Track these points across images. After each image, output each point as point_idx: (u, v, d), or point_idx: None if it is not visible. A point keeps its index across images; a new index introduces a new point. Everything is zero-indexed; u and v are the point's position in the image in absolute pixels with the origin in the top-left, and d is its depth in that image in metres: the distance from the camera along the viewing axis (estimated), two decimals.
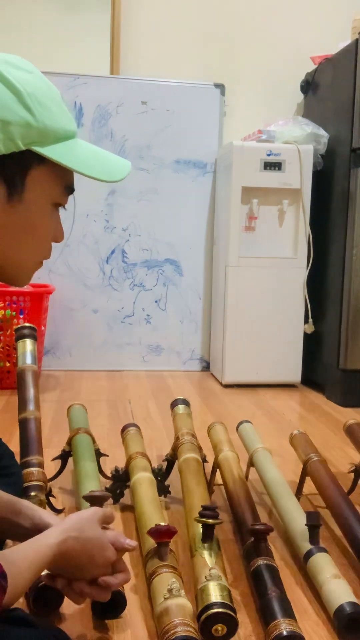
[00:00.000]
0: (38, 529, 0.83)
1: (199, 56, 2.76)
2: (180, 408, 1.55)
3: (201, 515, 1.00)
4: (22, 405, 1.29)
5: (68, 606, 0.95)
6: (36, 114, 0.69)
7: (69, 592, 0.81)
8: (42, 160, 0.71)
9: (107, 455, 1.47)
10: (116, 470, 1.32)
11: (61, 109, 0.74)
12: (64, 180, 0.75)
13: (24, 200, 0.71)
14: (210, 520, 0.99)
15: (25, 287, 2.42)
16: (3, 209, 0.70)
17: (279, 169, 2.41)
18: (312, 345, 2.54)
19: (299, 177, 2.42)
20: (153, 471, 1.30)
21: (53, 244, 0.80)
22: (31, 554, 0.73)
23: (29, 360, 1.35)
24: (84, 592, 0.81)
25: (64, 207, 0.79)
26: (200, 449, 1.37)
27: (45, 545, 0.75)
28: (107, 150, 0.82)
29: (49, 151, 0.70)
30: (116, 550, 0.83)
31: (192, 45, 2.75)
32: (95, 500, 0.92)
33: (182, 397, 1.60)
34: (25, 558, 0.72)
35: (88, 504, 0.93)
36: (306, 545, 1.05)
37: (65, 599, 0.93)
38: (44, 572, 0.82)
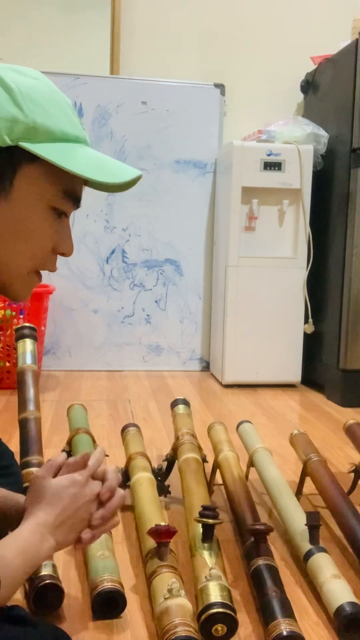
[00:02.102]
0: (19, 513, 0.82)
1: (199, 56, 2.76)
2: (180, 408, 1.55)
3: (201, 515, 1.00)
4: (22, 405, 1.29)
5: (68, 606, 0.95)
6: (25, 110, 0.68)
7: (99, 530, 0.80)
8: (33, 158, 0.70)
9: (107, 455, 1.47)
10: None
11: (64, 113, 0.73)
12: (60, 182, 0.73)
13: (12, 198, 0.70)
14: (210, 520, 0.99)
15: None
16: None
17: (279, 169, 2.41)
18: (312, 345, 2.54)
19: (299, 177, 2.42)
20: (153, 471, 1.30)
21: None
22: (14, 543, 0.72)
23: (29, 360, 1.35)
24: (106, 514, 0.80)
25: (66, 214, 0.76)
26: (200, 449, 1.37)
27: (23, 529, 0.74)
28: (107, 150, 0.81)
29: (40, 149, 0.69)
30: (79, 468, 0.82)
31: (192, 45, 2.75)
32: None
33: (182, 397, 1.60)
34: (8, 549, 0.71)
35: None
36: (306, 545, 1.05)
37: (66, 599, 0.94)
38: (51, 572, 0.81)
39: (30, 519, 0.75)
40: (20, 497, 0.89)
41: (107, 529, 0.82)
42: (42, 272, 0.80)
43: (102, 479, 0.83)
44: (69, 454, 1.35)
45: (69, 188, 0.74)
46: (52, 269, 0.80)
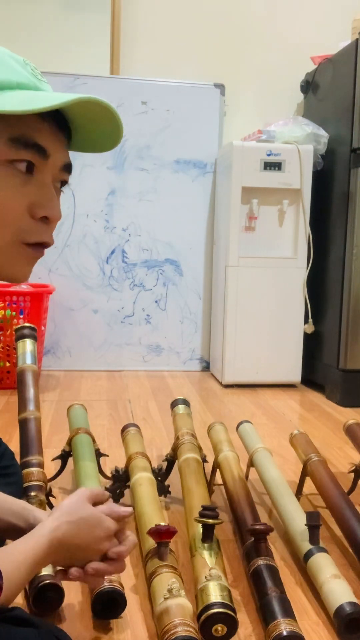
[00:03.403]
0: (33, 528, 0.83)
1: (199, 56, 2.76)
2: (180, 408, 1.55)
3: (201, 515, 1.00)
4: (22, 405, 1.29)
5: (68, 606, 0.95)
6: None
7: (86, 578, 0.79)
8: None
9: (107, 455, 1.47)
10: (116, 470, 1.32)
11: (1, 63, 0.65)
12: (3, 131, 0.64)
13: None
14: (210, 520, 0.99)
15: (25, 287, 2.43)
16: None
17: (279, 169, 2.41)
18: (312, 345, 2.54)
19: (299, 177, 2.42)
20: (153, 471, 1.30)
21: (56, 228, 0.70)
22: (26, 549, 0.72)
23: (29, 360, 1.35)
24: (100, 570, 0.79)
25: (32, 167, 0.67)
26: (200, 449, 1.37)
27: (39, 536, 0.74)
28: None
29: None
30: (114, 520, 0.82)
31: (192, 45, 2.75)
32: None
33: (182, 397, 1.60)
34: (18, 553, 0.71)
35: None
36: (306, 545, 1.05)
37: (66, 599, 0.94)
38: (53, 570, 0.81)
39: (53, 528, 0.75)
40: (14, 501, 0.88)
41: (90, 582, 0.82)
42: (43, 252, 0.72)
43: (121, 540, 0.83)
44: (69, 454, 1.35)
45: (18, 135, 0.65)
46: (41, 238, 0.69)
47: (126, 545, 0.82)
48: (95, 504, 0.83)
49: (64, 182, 0.74)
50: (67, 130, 0.72)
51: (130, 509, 0.85)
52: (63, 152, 0.71)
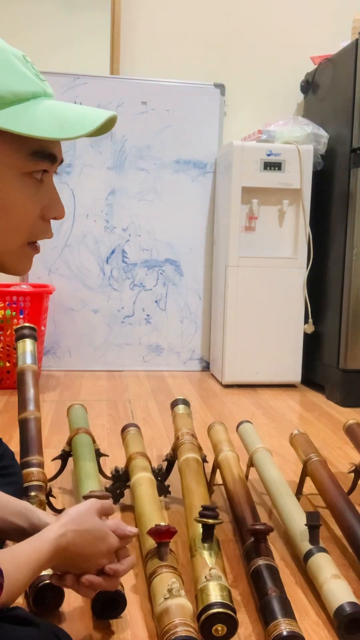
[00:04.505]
0: (36, 529, 0.83)
1: (199, 56, 2.76)
2: (180, 408, 1.55)
3: (201, 515, 1.00)
4: (22, 405, 1.29)
5: (68, 606, 0.95)
6: None
7: (78, 587, 0.81)
8: None
9: (107, 455, 1.47)
10: (116, 470, 1.32)
11: (10, 70, 0.66)
12: (25, 146, 0.66)
13: None
14: (210, 520, 0.99)
15: (25, 287, 2.43)
16: None
17: (279, 169, 2.41)
18: (312, 345, 2.54)
19: (299, 177, 2.42)
20: (153, 471, 1.30)
21: (54, 222, 0.72)
22: (30, 551, 0.73)
23: (29, 360, 1.35)
24: (93, 584, 0.80)
25: (46, 173, 0.70)
26: (200, 449, 1.37)
27: (44, 540, 0.75)
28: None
29: None
30: (118, 538, 0.83)
31: (192, 45, 2.75)
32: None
33: (182, 397, 1.60)
34: (22, 554, 0.72)
35: None
36: (306, 545, 1.05)
37: (66, 599, 0.94)
38: (50, 572, 0.82)
39: (59, 535, 0.76)
40: (17, 502, 0.88)
41: (81, 592, 0.82)
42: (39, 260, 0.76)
43: (119, 557, 0.84)
44: (69, 454, 1.35)
45: (38, 148, 0.67)
46: (47, 236, 0.73)
47: (124, 564, 0.83)
48: (102, 516, 0.84)
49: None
50: None
51: (136, 530, 0.86)
52: (61, 151, 0.73)
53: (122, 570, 0.82)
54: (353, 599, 0.91)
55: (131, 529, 0.85)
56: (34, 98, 0.67)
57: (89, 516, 0.80)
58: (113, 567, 0.81)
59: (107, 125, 0.74)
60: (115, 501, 1.32)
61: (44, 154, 0.68)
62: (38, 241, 0.74)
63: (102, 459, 1.38)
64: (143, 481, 1.20)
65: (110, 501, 0.87)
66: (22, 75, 0.67)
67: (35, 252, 0.74)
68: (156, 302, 2.74)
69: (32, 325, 1.41)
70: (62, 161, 0.74)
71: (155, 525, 0.96)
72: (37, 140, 0.66)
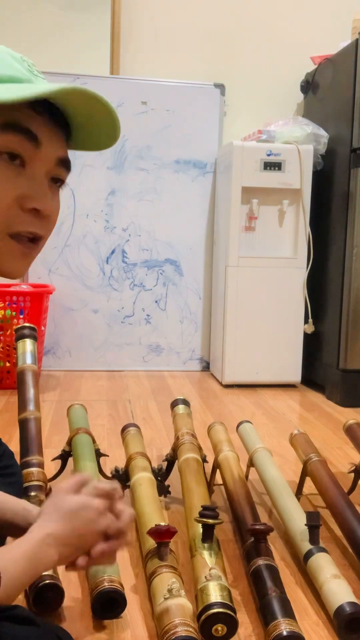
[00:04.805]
0: None
1: (199, 56, 2.76)
2: (180, 408, 1.55)
3: (201, 515, 1.00)
4: (22, 405, 1.29)
5: (68, 606, 0.95)
6: None
7: (95, 562, 0.79)
8: None
9: (107, 455, 1.47)
10: (116, 470, 1.32)
11: None
12: None
13: None
14: (210, 520, 0.99)
15: (25, 287, 2.43)
16: None
17: (279, 169, 2.41)
18: (312, 345, 2.54)
19: (299, 177, 2.42)
20: (153, 471, 1.30)
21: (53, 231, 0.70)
22: (27, 549, 0.72)
23: (29, 360, 1.35)
24: (105, 551, 0.78)
25: (22, 158, 0.66)
26: (200, 449, 1.37)
27: (36, 538, 0.73)
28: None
29: None
30: (103, 497, 0.81)
31: (192, 45, 2.75)
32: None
33: (182, 397, 1.60)
34: (18, 551, 0.71)
35: None
36: (306, 545, 1.05)
37: (66, 599, 0.94)
38: (50, 572, 0.81)
39: (42, 527, 0.74)
40: (16, 501, 0.88)
41: (101, 563, 0.81)
42: (38, 247, 0.71)
43: (117, 515, 0.82)
44: (69, 454, 1.35)
45: (7, 120, 0.64)
46: (31, 228, 0.68)
47: (124, 519, 0.81)
48: (79, 490, 0.81)
49: (61, 181, 0.73)
50: (66, 127, 0.72)
51: (115, 485, 0.83)
52: (58, 146, 0.71)
53: (124, 526, 0.80)
54: (353, 599, 0.91)
55: (109, 485, 0.82)
56: (13, 82, 0.66)
57: (59, 499, 0.78)
58: (115, 527, 0.79)
59: (112, 133, 0.73)
60: None
61: (14, 127, 0.64)
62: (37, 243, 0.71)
63: (102, 459, 1.38)
64: (143, 481, 1.20)
65: (81, 476, 0.84)
66: (3, 62, 0.66)
67: (27, 251, 0.70)
68: (156, 302, 2.74)
69: (32, 325, 1.41)
70: (64, 160, 0.71)
71: (155, 525, 0.96)
72: (8, 114, 0.63)
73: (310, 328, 2.51)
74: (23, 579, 0.71)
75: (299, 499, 1.29)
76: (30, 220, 0.68)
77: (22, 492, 1.08)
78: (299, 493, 1.37)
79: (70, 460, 1.35)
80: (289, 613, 0.88)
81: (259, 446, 1.40)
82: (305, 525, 1.06)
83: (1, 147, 0.64)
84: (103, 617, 0.92)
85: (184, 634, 0.80)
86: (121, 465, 1.33)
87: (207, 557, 0.96)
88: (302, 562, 1.06)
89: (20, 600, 0.95)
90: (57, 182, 0.73)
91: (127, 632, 0.90)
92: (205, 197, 2.73)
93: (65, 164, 0.72)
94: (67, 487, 0.81)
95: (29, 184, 0.67)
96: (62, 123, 0.71)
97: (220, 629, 0.86)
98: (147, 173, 2.68)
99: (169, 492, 1.37)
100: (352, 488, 1.40)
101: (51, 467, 1.39)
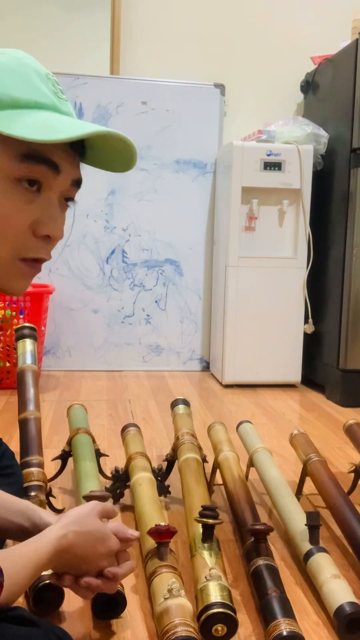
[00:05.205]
0: (38, 529, 0.83)
1: (199, 56, 2.76)
2: (180, 408, 1.55)
3: (201, 515, 1.00)
4: (22, 405, 1.29)
5: (68, 606, 0.95)
6: None
7: (76, 588, 0.81)
8: None
9: (107, 455, 1.47)
10: (116, 470, 1.32)
11: (23, 80, 0.65)
12: (14, 147, 0.63)
13: None
14: (210, 520, 0.99)
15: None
16: None
17: (279, 169, 2.41)
18: (312, 345, 2.54)
19: (299, 177, 2.42)
20: (153, 471, 1.30)
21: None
22: (30, 552, 0.73)
23: (29, 360, 1.35)
24: (92, 586, 0.80)
25: (40, 185, 0.66)
26: (200, 449, 1.37)
27: (45, 542, 0.75)
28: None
29: None
30: (119, 541, 0.83)
31: (192, 45, 2.75)
32: (95, 500, 0.92)
33: (182, 397, 1.60)
34: (23, 555, 0.72)
35: None
36: (306, 545, 1.05)
37: (66, 599, 0.94)
38: (49, 572, 0.82)
39: (59, 536, 0.76)
40: (19, 501, 0.88)
41: (80, 593, 0.82)
42: (40, 268, 0.72)
43: (119, 560, 0.84)
44: (69, 454, 1.35)
45: (28, 151, 0.64)
46: (40, 254, 0.68)
47: (124, 568, 0.83)
48: (104, 518, 0.84)
49: (71, 199, 0.73)
50: (81, 147, 0.72)
51: (137, 533, 0.86)
52: (74, 169, 0.71)
53: (121, 574, 0.82)
54: (353, 599, 0.91)
55: (132, 532, 0.85)
56: (38, 108, 0.66)
57: (90, 518, 0.80)
58: (112, 570, 0.81)
59: (127, 160, 0.75)
60: (115, 501, 1.32)
61: (37, 158, 0.65)
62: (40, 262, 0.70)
63: (102, 459, 1.38)
64: (143, 481, 1.20)
65: (111, 502, 0.87)
66: (30, 84, 0.66)
67: (32, 272, 0.70)
68: (156, 302, 2.74)
69: (32, 325, 1.41)
70: (78, 181, 0.71)
71: (155, 525, 0.96)
72: (26, 142, 0.63)
73: (310, 328, 2.51)
74: (25, 583, 0.72)
75: (299, 499, 1.29)
76: (41, 246, 0.68)
77: (22, 492, 1.08)
78: (299, 493, 1.37)
79: (70, 460, 1.35)
80: (289, 613, 0.88)
81: (259, 446, 1.40)
82: (305, 525, 1.06)
83: (22, 175, 0.65)
84: (103, 617, 0.92)
85: (184, 634, 0.80)
86: (121, 465, 1.33)
87: (207, 557, 0.96)
88: (302, 562, 1.06)
89: (21, 601, 0.95)
90: (68, 200, 0.73)
91: (127, 632, 0.91)
92: (205, 197, 2.73)
93: (78, 184, 0.73)
94: (100, 509, 0.83)
95: (42, 210, 0.67)
96: (77, 143, 0.70)
97: (220, 629, 0.86)
98: (147, 173, 2.68)
99: (169, 492, 1.37)
100: (352, 488, 1.40)
101: (51, 467, 1.39)
